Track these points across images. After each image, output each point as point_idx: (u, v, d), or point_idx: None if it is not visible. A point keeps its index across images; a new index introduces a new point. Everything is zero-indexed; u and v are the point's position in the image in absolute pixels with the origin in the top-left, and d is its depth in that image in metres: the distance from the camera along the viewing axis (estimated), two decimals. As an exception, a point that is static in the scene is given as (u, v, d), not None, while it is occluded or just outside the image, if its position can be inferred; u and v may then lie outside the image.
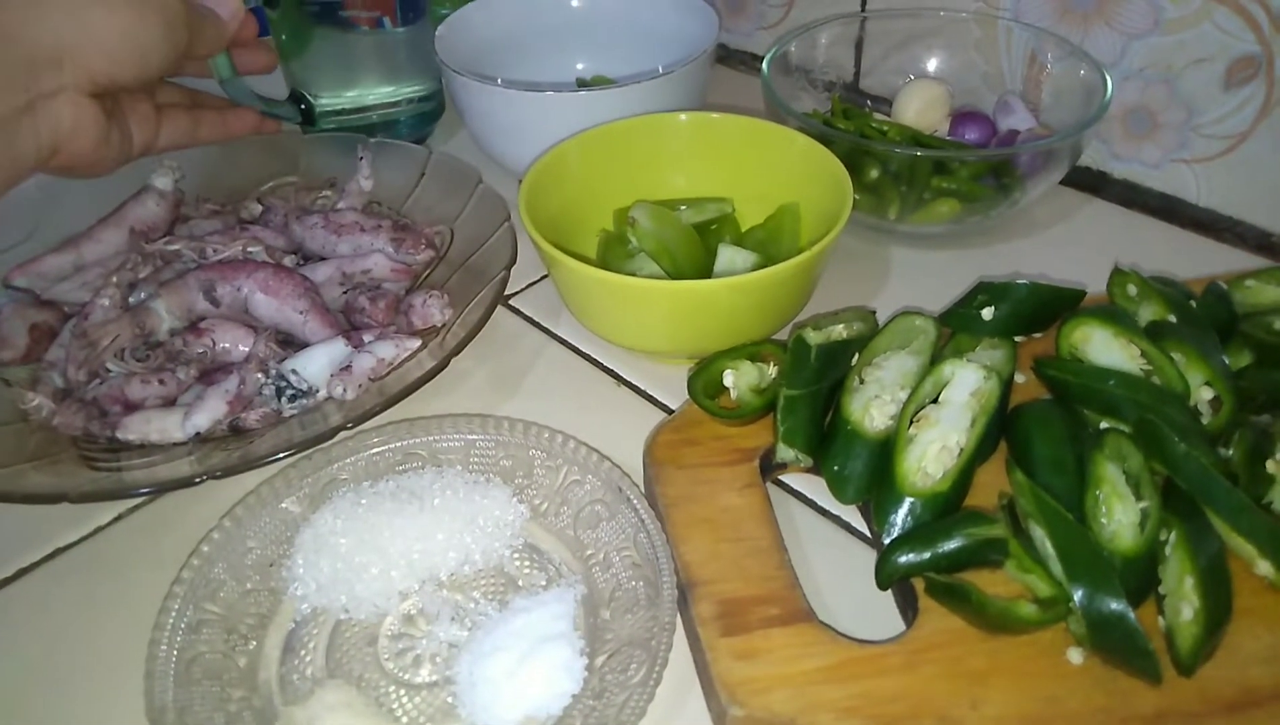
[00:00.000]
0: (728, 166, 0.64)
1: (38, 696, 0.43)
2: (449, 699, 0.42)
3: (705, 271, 0.59)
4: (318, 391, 0.55)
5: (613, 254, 0.62)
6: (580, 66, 0.84)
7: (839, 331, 0.52)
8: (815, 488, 0.51)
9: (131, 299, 0.59)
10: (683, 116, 0.64)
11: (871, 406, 0.48)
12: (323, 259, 0.64)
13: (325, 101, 0.77)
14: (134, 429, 0.53)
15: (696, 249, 0.61)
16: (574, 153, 0.61)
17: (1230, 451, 0.46)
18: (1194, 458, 0.43)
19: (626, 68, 0.81)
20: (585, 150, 0.62)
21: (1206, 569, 0.40)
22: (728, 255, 0.59)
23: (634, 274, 0.57)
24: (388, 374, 0.56)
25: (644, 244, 0.59)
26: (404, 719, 0.41)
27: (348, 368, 0.55)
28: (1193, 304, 0.53)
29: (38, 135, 0.53)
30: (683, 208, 0.63)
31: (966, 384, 0.47)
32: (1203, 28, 0.64)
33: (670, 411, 0.56)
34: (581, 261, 0.52)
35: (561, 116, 0.65)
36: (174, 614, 0.42)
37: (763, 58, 0.70)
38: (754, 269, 0.56)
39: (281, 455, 0.49)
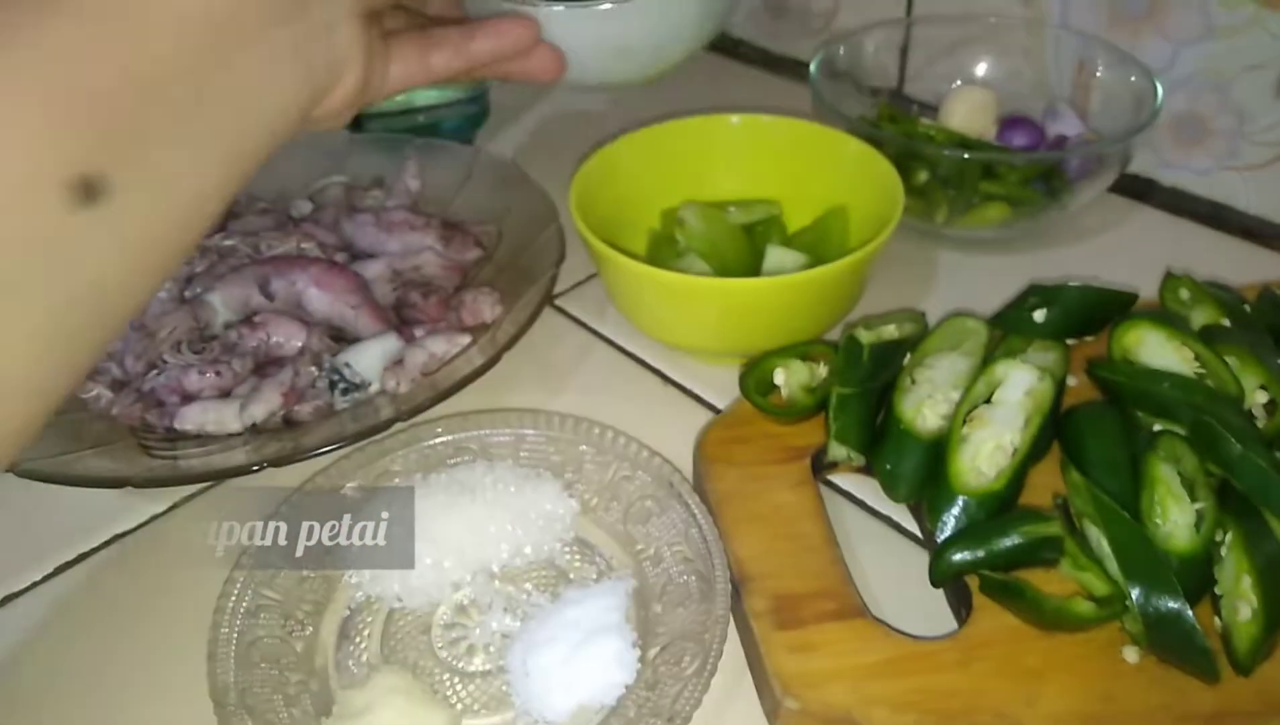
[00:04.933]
0: (777, 169, 0.64)
1: (100, 675, 0.44)
2: (503, 687, 0.42)
3: (753, 272, 0.60)
4: (370, 384, 0.56)
5: (661, 254, 0.62)
6: None
7: (890, 332, 0.52)
8: (864, 488, 0.51)
9: (188, 293, 0.60)
10: (734, 119, 0.64)
11: (924, 406, 0.48)
12: (372, 256, 0.65)
13: (373, 103, 0.78)
14: (191, 419, 0.53)
15: (744, 250, 0.61)
16: (624, 152, 0.62)
17: (1286, 455, 0.46)
18: (1251, 459, 0.43)
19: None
20: (635, 150, 0.62)
21: (1265, 568, 0.40)
22: (776, 256, 0.59)
23: (683, 273, 0.58)
24: (439, 369, 0.56)
25: (692, 244, 0.60)
26: (459, 706, 0.42)
27: (400, 361, 0.55)
28: (1247, 308, 0.53)
29: (322, 60, 0.39)
30: (731, 209, 0.63)
31: (1020, 384, 0.47)
32: (1254, 34, 0.64)
33: (716, 411, 0.56)
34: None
35: (568, 33, 0.57)
36: (234, 598, 0.43)
37: (806, 64, 0.71)
38: (802, 270, 0.56)
39: (335, 446, 0.50)
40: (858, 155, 0.60)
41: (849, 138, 0.61)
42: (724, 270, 0.59)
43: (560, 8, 0.59)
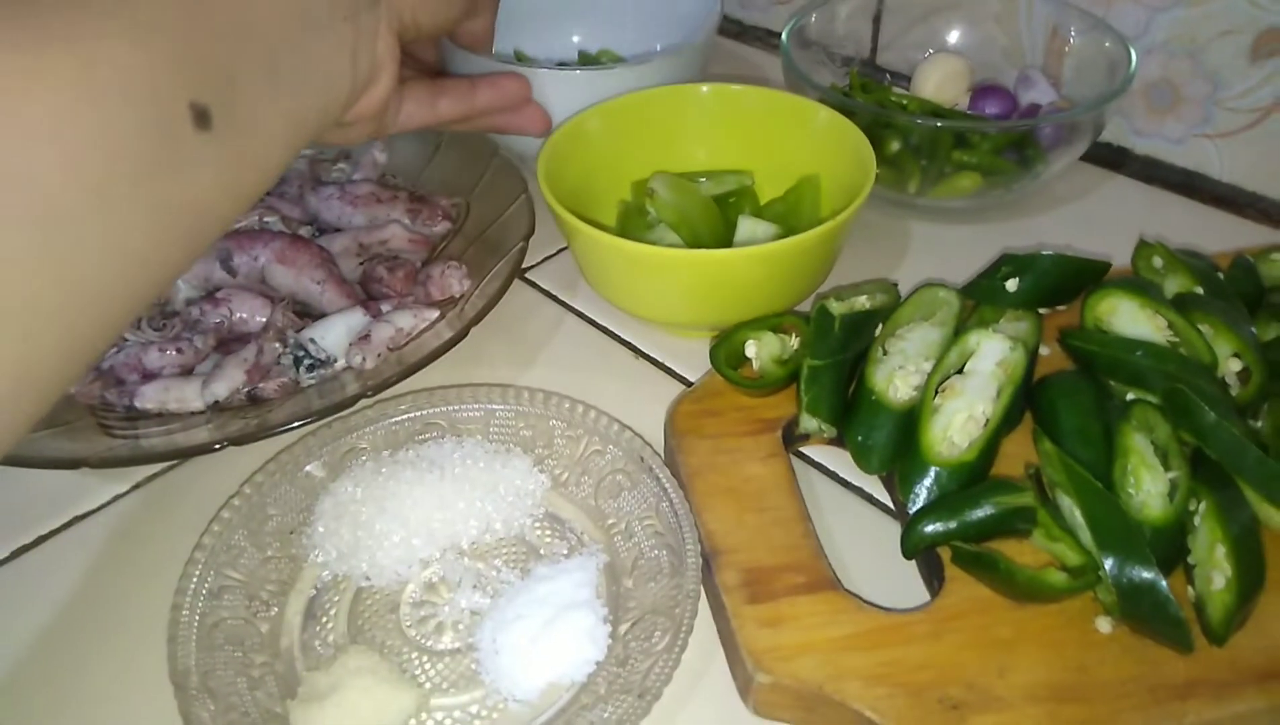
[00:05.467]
0: (749, 139, 0.63)
1: (59, 660, 0.43)
2: (472, 665, 0.42)
3: (725, 243, 0.59)
4: (336, 361, 0.55)
5: (632, 225, 0.61)
6: (577, 39, 0.82)
7: (862, 302, 0.51)
8: (836, 459, 0.51)
9: (147, 268, 0.58)
10: (704, 88, 0.63)
11: (895, 377, 0.48)
12: (338, 230, 0.63)
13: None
14: (152, 397, 0.52)
15: (716, 221, 0.60)
16: (594, 123, 0.60)
17: (1259, 423, 0.46)
18: (1225, 427, 0.43)
19: (623, 38, 0.79)
20: (605, 120, 0.61)
21: (1239, 537, 0.40)
22: (748, 227, 0.58)
23: (654, 245, 0.57)
24: (406, 344, 0.55)
25: (663, 215, 0.59)
26: (427, 685, 0.41)
27: (366, 337, 0.54)
28: (1220, 276, 0.52)
29: (366, 61, 0.46)
30: (702, 180, 0.62)
31: (992, 354, 0.47)
32: (1229, -1, 0.63)
33: (688, 384, 0.56)
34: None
35: (557, 94, 0.63)
36: (195, 579, 0.42)
37: (777, 33, 0.70)
38: (773, 241, 0.55)
39: (300, 423, 0.49)
40: (829, 125, 0.60)
41: (821, 107, 0.60)
42: (695, 241, 0.59)
43: (544, 70, 0.63)
